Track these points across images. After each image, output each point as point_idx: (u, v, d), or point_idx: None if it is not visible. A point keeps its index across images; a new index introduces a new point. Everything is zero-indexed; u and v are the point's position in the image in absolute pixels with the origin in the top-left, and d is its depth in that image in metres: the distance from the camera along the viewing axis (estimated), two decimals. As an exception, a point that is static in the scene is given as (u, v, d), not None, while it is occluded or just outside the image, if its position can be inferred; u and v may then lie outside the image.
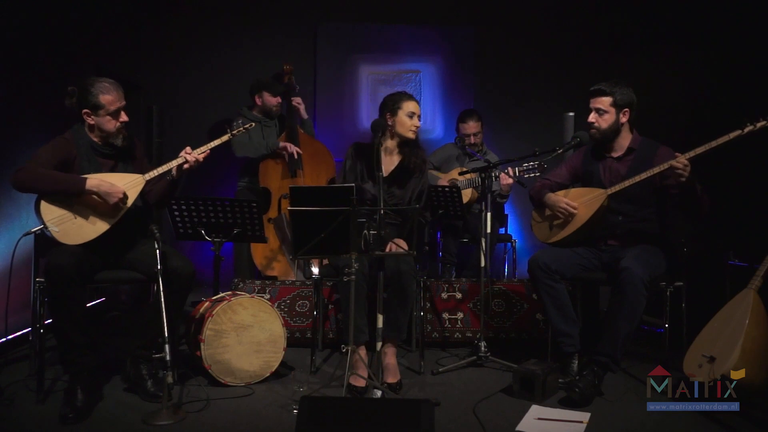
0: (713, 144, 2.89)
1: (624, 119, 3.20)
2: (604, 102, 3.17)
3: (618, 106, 3.17)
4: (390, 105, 3.34)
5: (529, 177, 3.74)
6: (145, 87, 4.86)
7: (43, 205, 2.78)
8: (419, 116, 3.36)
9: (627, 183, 3.12)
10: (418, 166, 3.37)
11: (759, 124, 2.85)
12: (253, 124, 3.30)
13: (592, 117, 3.21)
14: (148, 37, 5.07)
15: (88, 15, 4.48)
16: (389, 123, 3.33)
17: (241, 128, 3.18)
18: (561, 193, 3.35)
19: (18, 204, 3.66)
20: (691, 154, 2.91)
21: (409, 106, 3.33)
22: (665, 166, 2.96)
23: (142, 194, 3.01)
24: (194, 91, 5.19)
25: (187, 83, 5.21)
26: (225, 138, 3.11)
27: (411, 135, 3.34)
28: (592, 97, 3.22)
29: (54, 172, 2.79)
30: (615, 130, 3.20)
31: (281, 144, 4.41)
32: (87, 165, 2.89)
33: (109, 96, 2.87)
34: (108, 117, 2.89)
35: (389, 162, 3.38)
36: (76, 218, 2.82)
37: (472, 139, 4.62)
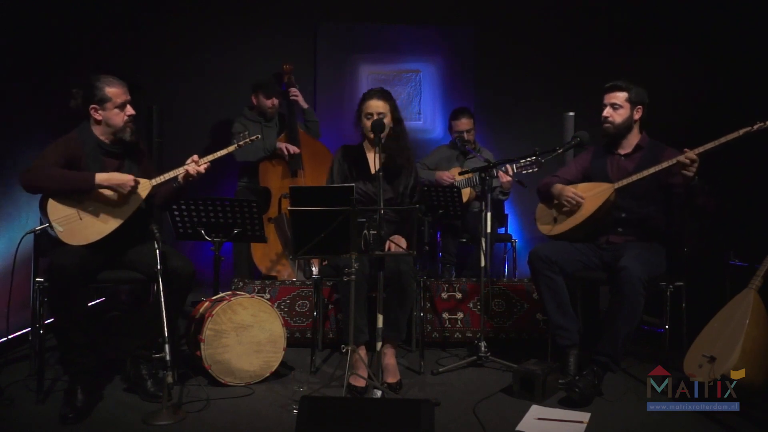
0: (722, 140, 2.91)
1: (637, 116, 3.25)
2: (620, 97, 3.22)
3: (632, 102, 3.22)
4: (358, 106, 3.35)
5: (526, 173, 3.75)
6: (145, 87, 4.85)
7: (51, 204, 2.78)
8: (379, 113, 3.25)
9: (635, 177, 3.13)
10: (400, 162, 3.34)
11: None
12: (259, 136, 3.33)
13: (607, 112, 3.25)
14: (148, 37, 5.06)
15: (88, 15, 4.48)
16: (360, 126, 3.34)
17: (248, 140, 3.20)
18: (570, 186, 3.36)
19: (18, 204, 3.66)
20: (700, 149, 2.93)
21: (368, 107, 3.28)
22: (674, 160, 2.98)
23: (148, 197, 3.02)
24: (194, 92, 5.19)
25: (188, 83, 5.20)
26: (231, 148, 3.15)
27: (370, 135, 3.28)
28: (608, 93, 3.26)
29: (63, 171, 2.79)
30: (628, 126, 3.25)
31: (279, 145, 4.41)
32: (92, 164, 2.88)
33: (114, 89, 2.89)
34: (116, 110, 2.90)
35: (376, 160, 3.37)
36: (81, 219, 2.81)
37: (465, 136, 4.63)
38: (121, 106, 2.91)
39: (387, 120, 3.28)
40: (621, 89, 3.23)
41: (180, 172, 2.97)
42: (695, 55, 4.81)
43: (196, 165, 2.98)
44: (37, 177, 2.77)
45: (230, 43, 5.26)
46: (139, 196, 2.92)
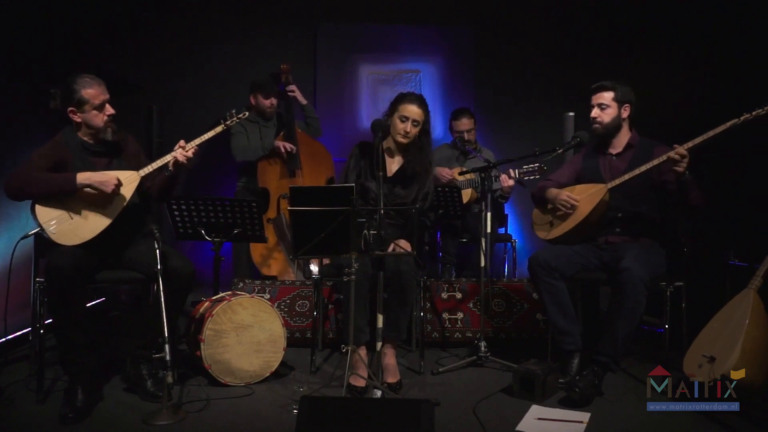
0: (710, 134, 2.93)
1: (625, 114, 3.27)
2: (606, 97, 3.24)
3: (619, 101, 3.24)
4: (392, 104, 3.27)
5: (528, 179, 3.75)
6: (145, 87, 4.86)
7: (38, 207, 2.78)
8: (415, 122, 3.20)
9: (627, 176, 3.15)
10: (418, 170, 3.31)
11: (755, 113, 2.90)
12: (247, 113, 3.24)
13: (595, 112, 3.27)
14: (148, 37, 5.06)
15: (88, 15, 4.48)
16: (388, 123, 3.25)
17: (234, 118, 3.09)
18: (564, 189, 3.36)
19: (18, 204, 3.64)
20: (689, 144, 2.95)
21: (405, 109, 3.20)
22: (664, 157, 3.00)
23: (143, 191, 3.01)
24: (194, 91, 5.19)
25: (187, 83, 5.20)
26: (219, 129, 3.05)
27: (399, 139, 3.23)
28: (594, 94, 3.28)
29: (43, 175, 2.77)
30: (617, 125, 3.26)
31: (276, 143, 4.40)
32: (80, 165, 2.87)
33: (91, 90, 2.85)
34: (94, 111, 2.87)
35: (393, 162, 3.35)
36: (72, 218, 2.81)
37: (466, 136, 4.64)
38: (100, 107, 2.87)
39: (417, 130, 3.24)
40: (607, 89, 3.24)
41: (167, 159, 2.94)
42: (694, 55, 4.81)
43: (183, 151, 2.93)
44: (18, 184, 2.76)
45: (230, 43, 5.26)
46: (129, 190, 2.90)
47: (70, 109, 2.87)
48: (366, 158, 3.32)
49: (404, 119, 3.21)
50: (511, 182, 4.05)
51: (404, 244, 3.19)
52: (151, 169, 2.94)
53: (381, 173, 2.97)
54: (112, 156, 2.99)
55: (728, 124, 2.92)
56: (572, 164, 3.47)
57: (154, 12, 5.06)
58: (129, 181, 2.90)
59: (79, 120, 2.89)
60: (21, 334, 3.61)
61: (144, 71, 4.95)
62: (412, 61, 5.48)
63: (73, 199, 2.81)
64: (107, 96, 2.90)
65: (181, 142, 2.95)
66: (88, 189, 2.80)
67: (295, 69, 4.77)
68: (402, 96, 3.26)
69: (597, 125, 3.27)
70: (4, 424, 2.61)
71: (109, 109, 2.91)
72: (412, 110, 3.21)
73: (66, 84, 2.86)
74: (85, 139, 2.93)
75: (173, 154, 2.93)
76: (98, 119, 2.89)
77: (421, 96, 3.29)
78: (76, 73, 2.89)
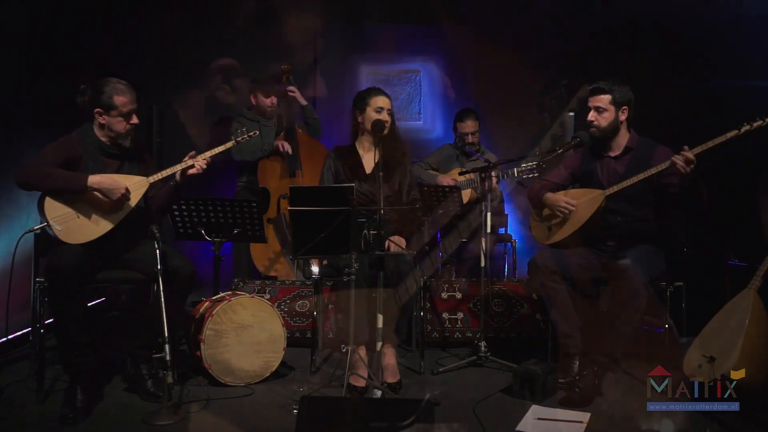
0: (710, 144, 2.90)
1: (623, 117, 3.21)
2: (604, 100, 3.18)
3: (617, 103, 3.18)
4: (358, 103, 3.34)
5: (528, 177, 3.74)
6: (145, 87, 4.85)
7: (48, 202, 2.79)
8: (389, 111, 3.33)
9: (625, 183, 3.12)
10: (397, 159, 3.34)
11: (756, 124, 2.86)
12: (257, 132, 3.29)
13: (592, 115, 3.22)
14: (148, 37, 5.06)
15: (89, 15, 4.48)
16: (360, 121, 3.34)
17: (245, 136, 3.16)
18: (560, 193, 3.35)
19: (18, 204, 3.66)
20: (698, 150, 2.91)
21: (377, 101, 3.30)
22: (663, 165, 2.96)
23: (146, 199, 3.02)
24: (194, 92, 5.19)
25: (187, 83, 5.20)
26: (229, 145, 3.12)
27: (385, 132, 3.28)
28: (591, 96, 3.22)
29: (56, 170, 2.79)
30: (614, 128, 3.21)
31: (275, 143, 4.40)
32: (92, 164, 2.89)
33: (122, 98, 2.89)
34: (119, 118, 2.90)
35: (370, 159, 3.38)
36: (79, 217, 2.82)
37: (470, 138, 4.63)
38: (126, 115, 2.91)
39: (390, 118, 3.31)
40: (604, 92, 3.18)
41: (178, 168, 2.95)
42: (695, 55, 4.81)
43: (198, 160, 2.96)
44: (31, 174, 2.77)
45: (230, 43, 5.26)
46: (136, 195, 2.91)
47: (97, 110, 2.89)
48: (342, 161, 3.37)
49: (380, 110, 3.30)
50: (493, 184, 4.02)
51: (398, 240, 3.20)
52: (160, 177, 2.97)
53: (381, 173, 2.97)
54: (124, 159, 3.00)
55: (729, 135, 2.87)
56: (568, 164, 3.44)
57: (154, 12, 5.06)
58: (138, 186, 2.93)
59: (102, 122, 2.91)
60: (21, 334, 3.61)
61: (144, 71, 4.95)
62: (412, 61, 5.48)
63: (81, 199, 2.82)
64: (135, 105, 2.95)
65: (192, 153, 2.98)
66: (96, 192, 2.81)
67: (295, 69, 4.77)
68: (367, 92, 3.37)
69: (594, 129, 3.22)
70: (4, 424, 2.61)
71: (135, 119, 2.94)
72: (384, 101, 3.33)
73: (99, 85, 2.89)
74: (103, 139, 2.95)
75: (185, 164, 2.96)
76: (120, 126, 2.92)
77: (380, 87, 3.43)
78: (111, 77, 2.92)
